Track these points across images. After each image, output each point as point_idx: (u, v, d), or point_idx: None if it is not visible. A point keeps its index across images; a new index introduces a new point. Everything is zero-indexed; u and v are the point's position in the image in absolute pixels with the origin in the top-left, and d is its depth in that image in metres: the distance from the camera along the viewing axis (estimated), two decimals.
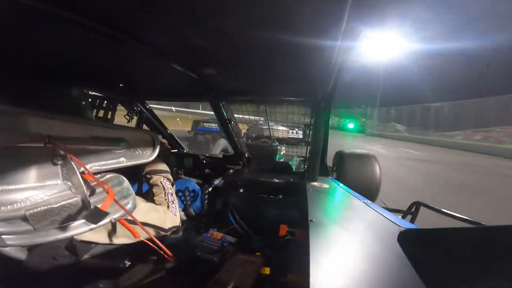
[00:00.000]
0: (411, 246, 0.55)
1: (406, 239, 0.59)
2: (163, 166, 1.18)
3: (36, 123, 0.58)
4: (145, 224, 0.81)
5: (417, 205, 1.38)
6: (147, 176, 1.11)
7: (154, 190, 1.07)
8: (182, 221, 1.23)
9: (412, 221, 1.35)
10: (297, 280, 0.64)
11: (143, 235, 0.78)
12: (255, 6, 0.52)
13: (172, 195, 1.08)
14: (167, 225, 0.92)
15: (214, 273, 0.91)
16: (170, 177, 1.16)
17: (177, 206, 1.06)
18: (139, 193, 1.13)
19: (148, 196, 1.06)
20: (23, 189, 0.55)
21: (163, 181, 1.09)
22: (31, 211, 0.52)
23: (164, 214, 0.95)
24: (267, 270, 0.98)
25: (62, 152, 0.61)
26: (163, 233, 0.91)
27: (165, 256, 0.83)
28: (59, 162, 0.62)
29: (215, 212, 1.65)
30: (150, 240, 0.80)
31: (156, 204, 0.99)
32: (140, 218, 0.79)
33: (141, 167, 1.12)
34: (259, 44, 0.74)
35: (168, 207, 1.00)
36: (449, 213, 1.10)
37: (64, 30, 0.63)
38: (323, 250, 0.56)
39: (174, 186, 1.17)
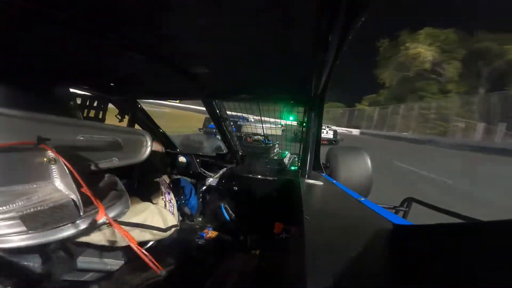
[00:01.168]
0: (404, 242, 0.56)
1: (399, 235, 0.60)
2: (159, 166, 1.17)
3: (26, 123, 0.57)
4: (141, 225, 0.81)
5: (409, 201, 1.41)
6: (143, 175, 1.10)
7: (151, 189, 1.06)
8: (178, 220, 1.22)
9: (404, 216, 1.38)
10: (293, 277, 0.65)
11: (136, 237, 0.77)
12: (246, 5, 0.52)
13: (169, 194, 1.07)
14: (165, 225, 0.91)
15: (211, 271, 0.91)
16: (166, 177, 1.15)
17: (175, 205, 1.05)
18: (134, 193, 1.13)
19: (144, 195, 1.05)
20: (14, 191, 0.54)
21: (159, 180, 1.08)
22: (22, 213, 0.51)
23: (160, 213, 0.94)
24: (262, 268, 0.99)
25: (52, 153, 0.60)
26: (162, 233, 0.89)
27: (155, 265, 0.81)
28: (50, 163, 0.61)
29: (210, 211, 1.64)
30: (143, 242, 0.79)
31: (153, 204, 0.98)
32: (136, 218, 0.78)
33: (135, 166, 1.11)
34: (251, 43, 0.74)
35: (165, 206, 1.00)
36: (441, 209, 1.12)
37: (54, 29, 0.62)
38: (318, 247, 0.56)
39: (171, 185, 1.16)
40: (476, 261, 0.36)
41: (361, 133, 31.75)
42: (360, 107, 39.86)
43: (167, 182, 1.15)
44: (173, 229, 0.96)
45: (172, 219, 0.97)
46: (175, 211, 1.03)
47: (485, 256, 0.35)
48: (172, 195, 1.10)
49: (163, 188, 1.07)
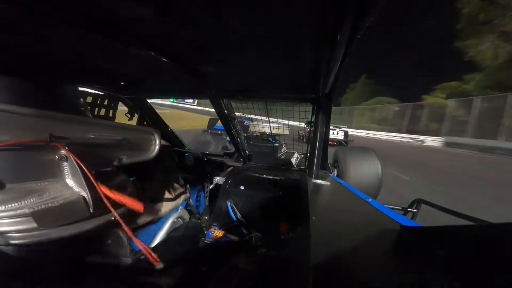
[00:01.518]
0: (412, 243, 0.55)
1: (407, 236, 0.59)
2: (168, 158, 1.21)
3: (38, 121, 0.58)
4: (153, 199, 0.84)
5: (418, 202, 1.38)
6: (153, 168, 1.13)
7: (165, 171, 1.10)
8: (184, 219, 1.23)
9: (413, 218, 1.36)
10: (298, 277, 0.65)
11: (154, 213, 0.81)
12: (254, 4, 0.52)
13: (177, 179, 1.11)
14: (173, 194, 0.96)
15: (216, 270, 0.91)
16: (175, 168, 1.19)
17: (182, 181, 1.10)
18: (145, 181, 1.16)
19: (154, 179, 1.09)
20: (26, 188, 0.56)
21: (172, 165, 1.13)
22: (34, 209, 0.53)
23: (166, 186, 0.98)
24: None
25: (64, 151, 0.61)
26: (172, 202, 0.94)
27: (153, 260, 0.83)
28: (61, 161, 0.62)
29: (216, 209, 1.65)
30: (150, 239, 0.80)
31: (163, 184, 1.03)
32: (154, 199, 0.81)
33: (143, 164, 1.13)
34: (259, 41, 0.74)
35: (174, 186, 1.04)
36: (451, 210, 1.10)
37: (65, 29, 0.64)
38: (324, 247, 0.56)
39: (181, 178, 1.21)
40: (484, 263, 0.35)
41: (449, 144, 17.01)
42: (431, 100, 24.65)
43: (176, 171, 1.20)
44: (182, 196, 1.01)
45: (178, 186, 1.02)
46: (186, 191, 1.08)
47: (494, 258, 0.35)
48: (181, 180, 1.14)
49: (172, 174, 1.12)
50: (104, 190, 0.67)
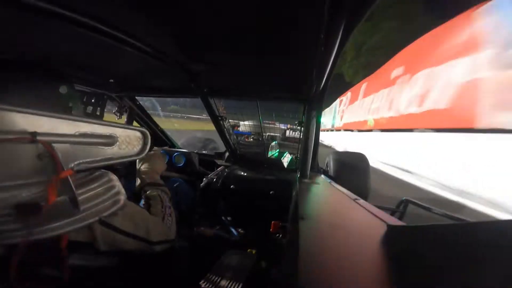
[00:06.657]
0: (398, 242, 0.56)
1: (394, 235, 0.60)
2: (160, 180, 1.13)
3: (22, 119, 0.56)
4: (131, 235, 0.77)
5: (405, 202, 1.41)
6: (144, 189, 1.07)
7: (151, 202, 1.01)
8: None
9: (400, 218, 1.38)
10: (287, 276, 0.65)
11: (118, 243, 0.75)
12: (246, 3, 0.52)
13: (170, 208, 1.02)
14: (157, 238, 0.85)
15: (206, 270, 0.91)
16: (167, 191, 1.11)
17: (174, 220, 1.00)
18: (132, 194, 1.10)
19: (144, 207, 1.01)
20: (8, 187, 0.54)
21: (161, 194, 1.04)
22: (15, 210, 0.51)
23: (156, 225, 0.88)
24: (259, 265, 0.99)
25: (48, 149, 0.59)
26: (149, 245, 0.82)
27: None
28: (45, 159, 0.60)
29: (206, 208, 1.65)
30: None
31: (151, 214, 0.94)
32: (127, 224, 0.75)
33: (135, 166, 1.11)
34: (250, 42, 0.74)
35: (163, 219, 0.95)
36: (436, 210, 1.13)
37: (53, 25, 0.62)
38: (312, 246, 0.56)
39: (171, 201, 1.10)
40: (470, 261, 0.36)
41: None
42: None
43: (169, 196, 1.10)
44: (164, 245, 0.88)
45: (167, 233, 0.91)
46: (173, 226, 0.98)
47: (477, 255, 0.36)
48: (172, 210, 1.03)
49: (164, 202, 1.02)
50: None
